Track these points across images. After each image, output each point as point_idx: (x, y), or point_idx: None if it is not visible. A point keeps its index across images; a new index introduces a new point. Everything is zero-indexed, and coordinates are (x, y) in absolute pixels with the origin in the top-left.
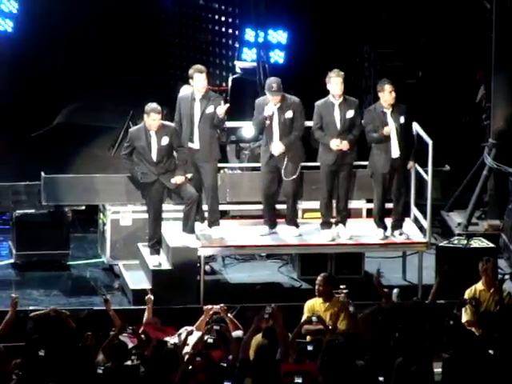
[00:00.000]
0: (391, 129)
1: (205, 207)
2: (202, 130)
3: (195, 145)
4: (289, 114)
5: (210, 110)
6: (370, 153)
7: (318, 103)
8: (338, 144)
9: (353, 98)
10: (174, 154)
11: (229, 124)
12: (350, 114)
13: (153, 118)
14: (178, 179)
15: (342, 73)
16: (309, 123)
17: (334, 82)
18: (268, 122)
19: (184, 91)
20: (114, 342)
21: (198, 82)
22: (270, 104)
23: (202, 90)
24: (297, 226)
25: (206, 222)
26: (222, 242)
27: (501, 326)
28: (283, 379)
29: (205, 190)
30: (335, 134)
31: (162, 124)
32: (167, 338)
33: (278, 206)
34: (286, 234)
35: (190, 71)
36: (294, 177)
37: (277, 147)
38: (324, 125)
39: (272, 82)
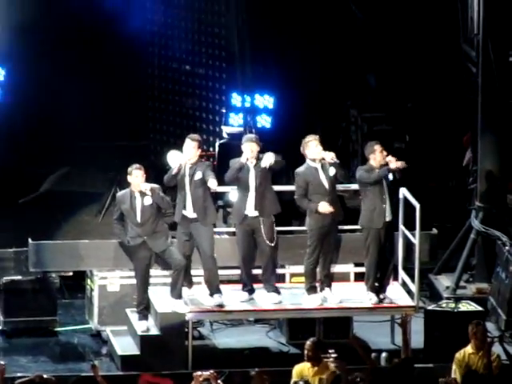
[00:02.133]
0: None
1: (197, 272)
2: (195, 196)
3: (188, 212)
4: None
5: (198, 176)
6: (360, 212)
7: (299, 171)
8: (327, 206)
9: None
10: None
11: (216, 189)
12: (332, 171)
13: (135, 175)
14: (146, 185)
15: (317, 135)
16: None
17: (314, 146)
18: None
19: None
20: None
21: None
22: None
23: (191, 160)
24: (278, 292)
25: (193, 288)
26: (209, 307)
27: None
28: None
29: (201, 256)
30: (325, 195)
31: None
32: None
33: (257, 271)
34: (267, 300)
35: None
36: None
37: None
38: (311, 190)
39: (250, 134)
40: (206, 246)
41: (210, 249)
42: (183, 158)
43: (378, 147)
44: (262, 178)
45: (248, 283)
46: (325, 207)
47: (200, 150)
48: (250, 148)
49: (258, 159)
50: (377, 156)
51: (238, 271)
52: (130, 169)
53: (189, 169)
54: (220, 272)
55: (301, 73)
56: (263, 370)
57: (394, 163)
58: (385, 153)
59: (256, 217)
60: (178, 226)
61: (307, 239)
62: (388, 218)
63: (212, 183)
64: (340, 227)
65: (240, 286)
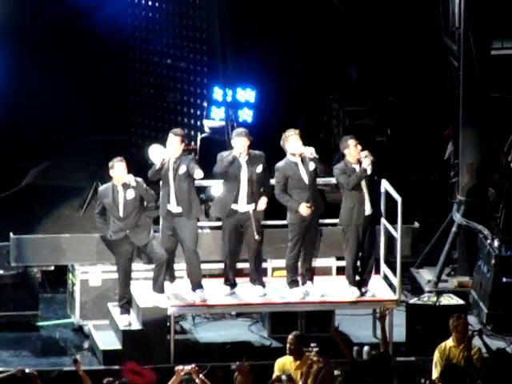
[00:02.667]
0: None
1: (180, 266)
2: (179, 190)
3: (172, 206)
4: (259, 169)
5: (182, 170)
6: (340, 208)
7: (279, 165)
8: (307, 208)
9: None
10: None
11: (198, 182)
12: (312, 166)
13: (118, 167)
14: (130, 177)
15: (297, 130)
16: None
17: (294, 140)
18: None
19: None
20: None
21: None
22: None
23: (175, 154)
24: (263, 285)
25: (175, 282)
26: (191, 301)
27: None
28: None
29: (184, 251)
30: (306, 189)
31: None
32: None
33: (240, 265)
34: (250, 294)
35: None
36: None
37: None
38: (291, 184)
39: (240, 128)
40: (189, 241)
41: (194, 243)
42: (166, 152)
43: (352, 142)
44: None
45: (231, 277)
46: (304, 210)
47: (183, 145)
48: (241, 143)
49: (249, 154)
50: (351, 151)
51: (219, 265)
52: (111, 163)
53: (173, 163)
54: (202, 266)
55: (282, 66)
56: (245, 363)
57: (366, 161)
58: (359, 147)
59: (246, 212)
60: (162, 220)
61: (288, 233)
62: (367, 212)
63: (198, 174)
64: (321, 221)
65: (222, 280)
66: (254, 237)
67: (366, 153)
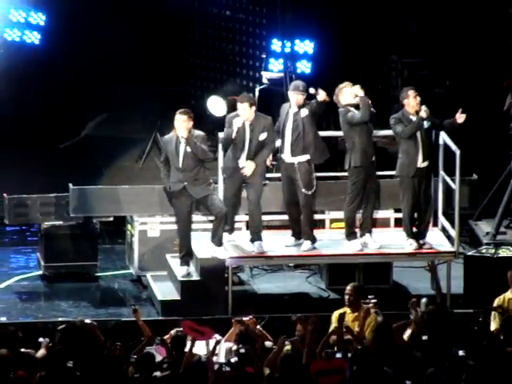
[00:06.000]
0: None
1: (239, 218)
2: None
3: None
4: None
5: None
6: (397, 160)
7: (342, 109)
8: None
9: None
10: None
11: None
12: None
13: (176, 119)
14: (183, 133)
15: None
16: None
17: (348, 92)
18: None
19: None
20: (141, 352)
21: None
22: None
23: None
24: (312, 240)
25: (234, 233)
26: (249, 252)
27: None
28: (316, 379)
29: (249, 201)
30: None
31: (192, 131)
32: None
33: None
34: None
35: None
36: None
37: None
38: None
39: (297, 82)
40: (254, 192)
41: (258, 195)
42: (240, 119)
43: (411, 92)
44: (306, 122)
45: (295, 228)
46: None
47: (254, 108)
48: (295, 97)
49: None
50: (411, 101)
51: (279, 217)
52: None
53: (249, 126)
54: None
55: (341, 18)
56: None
57: (424, 112)
58: (419, 98)
59: (292, 163)
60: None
61: (348, 186)
62: (421, 164)
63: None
64: (379, 173)
65: (280, 232)
66: (301, 189)
67: (425, 107)
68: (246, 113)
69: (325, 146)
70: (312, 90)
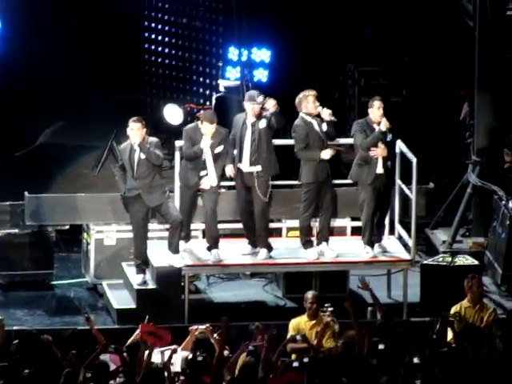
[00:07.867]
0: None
1: (195, 226)
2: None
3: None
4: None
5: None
6: (352, 167)
7: (297, 124)
8: (328, 153)
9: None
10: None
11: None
12: (325, 127)
13: (130, 127)
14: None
15: (314, 91)
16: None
17: (312, 100)
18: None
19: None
20: (95, 360)
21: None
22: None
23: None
24: (268, 248)
25: (190, 241)
26: (206, 260)
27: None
28: None
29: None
30: (322, 147)
31: (145, 138)
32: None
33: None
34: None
35: None
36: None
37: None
38: (311, 143)
39: (253, 92)
40: (210, 200)
41: (214, 203)
42: (205, 139)
43: (376, 103)
44: (263, 134)
45: (251, 237)
46: (327, 153)
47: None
48: (251, 107)
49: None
50: (374, 111)
51: (233, 225)
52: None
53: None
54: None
55: (298, 26)
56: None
57: (384, 124)
58: (382, 111)
59: (251, 173)
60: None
61: (301, 194)
62: (380, 171)
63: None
64: (337, 181)
65: (236, 240)
66: (259, 197)
67: (385, 120)
68: (213, 131)
69: (276, 161)
70: (261, 98)
